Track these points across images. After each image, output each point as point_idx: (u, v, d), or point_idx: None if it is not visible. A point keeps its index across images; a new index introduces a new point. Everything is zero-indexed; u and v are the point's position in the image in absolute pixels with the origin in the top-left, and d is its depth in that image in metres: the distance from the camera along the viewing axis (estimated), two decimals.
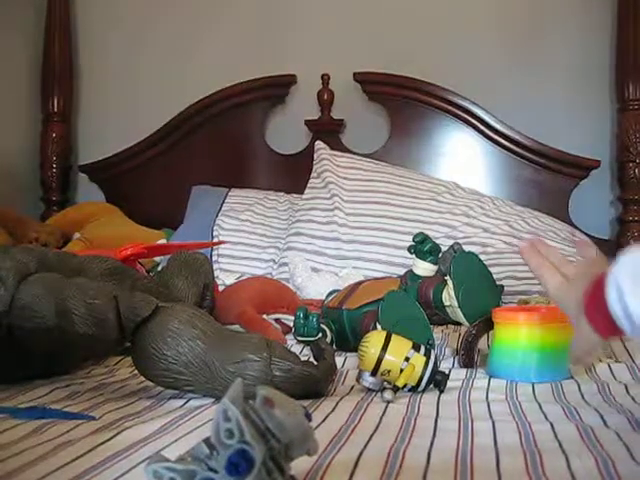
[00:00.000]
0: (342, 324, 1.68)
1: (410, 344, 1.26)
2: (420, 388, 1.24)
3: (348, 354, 1.57)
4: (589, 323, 0.94)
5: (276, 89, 3.03)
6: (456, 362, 1.48)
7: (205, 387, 1.17)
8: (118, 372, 1.44)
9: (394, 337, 1.27)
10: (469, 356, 1.46)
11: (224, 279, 2.37)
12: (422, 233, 1.76)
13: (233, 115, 3.03)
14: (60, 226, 2.82)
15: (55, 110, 3.16)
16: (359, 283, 1.84)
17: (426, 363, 1.23)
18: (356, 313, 1.66)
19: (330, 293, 1.88)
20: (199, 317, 1.21)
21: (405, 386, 1.22)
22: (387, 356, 1.24)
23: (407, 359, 1.23)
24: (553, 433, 0.98)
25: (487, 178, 2.86)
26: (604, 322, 0.91)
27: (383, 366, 1.24)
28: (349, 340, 1.65)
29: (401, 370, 1.23)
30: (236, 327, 1.74)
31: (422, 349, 1.26)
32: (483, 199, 2.60)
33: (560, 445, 0.93)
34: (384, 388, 1.22)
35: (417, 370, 1.23)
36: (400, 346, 1.25)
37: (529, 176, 2.83)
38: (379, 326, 1.47)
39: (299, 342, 1.70)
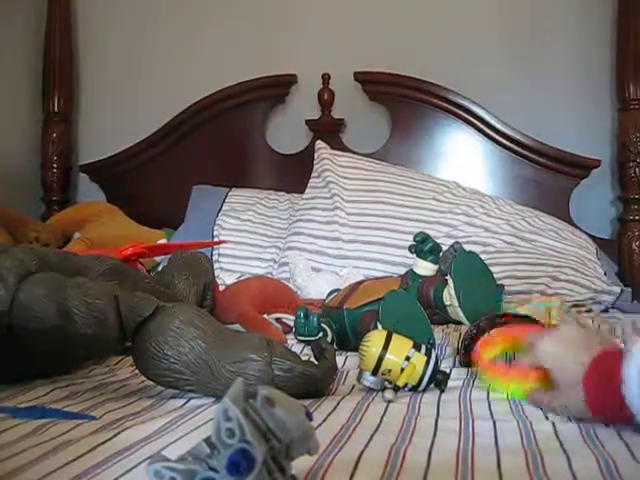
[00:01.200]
0: (343, 324, 1.68)
1: (411, 343, 1.26)
2: (421, 388, 1.23)
3: (349, 354, 1.57)
4: (585, 401, 0.99)
5: (276, 89, 3.03)
6: (457, 361, 1.48)
7: (206, 387, 1.17)
8: (119, 372, 1.44)
9: (395, 336, 1.27)
10: (469, 355, 1.46)
11: (225, 279, 2.37)
12: (423, 232, 1.76)
13: (233, 115, 3.03)
14: (61, 226, 2.82)
15: (55, 110, 3.16)
16: (360, 283, 1.84)
17: (427, 362, 1.23)
18: (357, 313, 1.66)
19: (330, 293, 1.88)
20: (200, 317, 1.21)
21: (406, 386, 1.22)
22: (388, 355, 1.24)
23: (408, 358, 1.23)
24: (554, 433, 0.98)
25: (488, 177, 2.86)
26: (606, 403, 0.96)
27: (384, 366, 1.24)
28: (350, 340, 1.65)
29: (402, 369, 1.23)
30: (237, 327, 1.74)
31: (423, 348, 1.26)
32: (484, 198, 2.60)
33: (561, 445, 0.93)
34: (385, 388, 1.22)
35: (418, 369, 1.22)
36: (401, 345, 1.25)
37: (530, 175, 2.83)
38: (380, 325, 1.47)
39: (300, 342, 1.69)
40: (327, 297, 1.86)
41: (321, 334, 1.63)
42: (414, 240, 1.76)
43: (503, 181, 2.85)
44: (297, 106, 3.04)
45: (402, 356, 1.24)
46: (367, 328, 1.50)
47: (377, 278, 2.04)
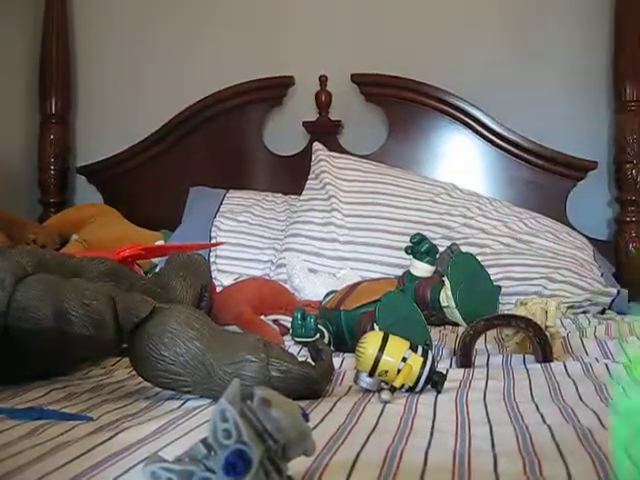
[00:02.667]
0: (339, 325, 1.68)
1: (407, 344, 1.26)
2: (417, 389, 1.23)
3: (346, 355, 1.57)
4: None
5: (274, 90, 3.03)
6: (453, 362, 1.49)
7: (202, 388, 1.17)
8: (116, 373, 1.44)
9: (391, 338, 1.27)
10: (466, 356, 1.46)
11: (222, 280, 2.37)
12: (419, 234, 1.77)
13: (231, 117, 3.03)
14: (58, 227, 2.82)
15: (53, 111, 3.16)
16: (357, 284, 1.84)
17: (423, 363, 1.23)
18: (353, 314, 1.66)
19: (328, 294, 1.88)
20: (197, 318, 1.21)
21: (402, 387, 1.23)
22: (384, 357, 1.24)
23: (404, 359, 1.23)
24: (551, 434, 0.98)
25: (485, 179, 2.86)
26: None
27: (380, 367, 1.24)
28: (346, 341, 1.66)
29: (398, 370, 1.23)
30: (234, 328, 1.74)
31: (419, 350, 1.26)
32: (481, 200, 2.60)
33: (558, 447, 0.93)
34: (381, 389, 1.22)
35: (414, 370, 1.23)
36: (397, 347, 1.25)
37: (527, 177, 2.83)
38: (376, 327, 1.47)
39: (297, 343, 1.70)
40: (324, 298, 1.86)
41: (318, 335, 1.64)
42: (411, 241, 1.76)
43: (500, 183, 2.85)
44: (294, 108, 3.04)
45: (399, 357, 1.24)
46: (364, 329, 1.51)
47: (374, 279, 2.04)
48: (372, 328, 1.48)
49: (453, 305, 1.58)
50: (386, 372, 1.24)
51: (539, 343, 1.47)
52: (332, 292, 1.88)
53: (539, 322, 1.51)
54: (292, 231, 2.57)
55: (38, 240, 2.65)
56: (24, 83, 3.24)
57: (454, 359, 1.50)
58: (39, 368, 1.35)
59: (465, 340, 1.47)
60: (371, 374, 1.24)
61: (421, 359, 1.24)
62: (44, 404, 1.17)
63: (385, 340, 1.26)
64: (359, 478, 0.81)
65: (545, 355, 1.47)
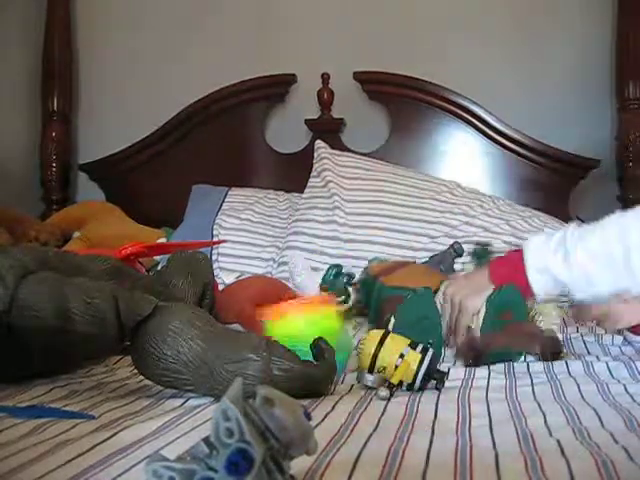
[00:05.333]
0: (371, 294, 1.69)
1: (407, 342, 1.26)
2: (415, 386, 1.23)
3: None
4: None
5: (276, 88, 3.03)
6: (457, 361, 1.48)
7: (205, 386, 1.17)
8: (117, 371, 1.44)
9: (391, 336, 1.27)
10: (476, 356, 1.45)
11: (224, 278, 2.37)
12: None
13: (233, 114, 3.03)
14: (60, 225, 2.82)
15: (55, 109, 3.16)
16: (406, 263, 1.84)
17: (421, 360, 1.23)
18: (386, 291, 1.67)
19: (371, 260, 1.88)
20: (199, 316, 1.21)
21: (401, 384, 1.22)
22: (382, 353, 1.24)
23: (402, 356, 1.23)
24: (551, 434, 0.98)
25: (487, 177, 2.86)
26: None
27: (378, 363, 1.24)
28: (370, 310, 1.67)
29: (396, 367, 1.23)
30: (236, 326, 1.74)
31: (419, 347, 1.25)
32: (483, 198, 2.60)
33: (559, 445, 0.92)
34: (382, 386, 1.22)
35: (411, 367, 1.22)
36: (395, 344, 1.25)
37: (529, 175, 2.83)
38: (393, 319, 1.47)
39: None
40: (371, 261, 1.87)
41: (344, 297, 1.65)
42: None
43: (502, 181, 2.85)
44: (297, 105, 3.04)
45: (396, 353, 1.23)
46: (384, 313, 1.52)
47: (426, 264, 2.05)
48: (389, 319, 1.48)
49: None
50: (384, 368, 1.24)
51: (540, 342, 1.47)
52: (375, 259, 1.89)
53: (540, 322, 1.51)
54: (294, 229, 2.57)
55: (40, 238, 2.65)
56: (26, 81, 3.24)
57: (456, 357, 1.49)
58: (41, 366, 1.35)
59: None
60: (370, 371, 1.24)
61: (419, 356, 1.23)
62: (45, 402, 1.17)
63: (384, 337, 1.26)
64: (361, 477, 0.81)
65: (546, 354, 1.47)
